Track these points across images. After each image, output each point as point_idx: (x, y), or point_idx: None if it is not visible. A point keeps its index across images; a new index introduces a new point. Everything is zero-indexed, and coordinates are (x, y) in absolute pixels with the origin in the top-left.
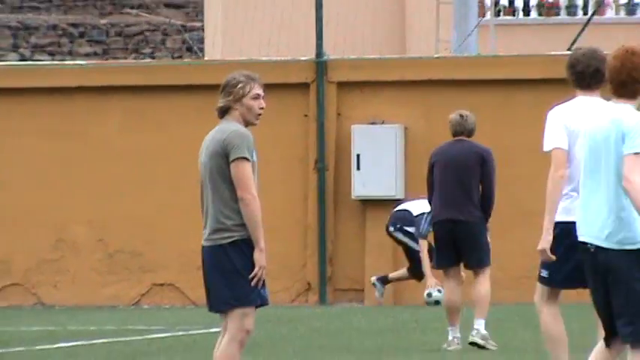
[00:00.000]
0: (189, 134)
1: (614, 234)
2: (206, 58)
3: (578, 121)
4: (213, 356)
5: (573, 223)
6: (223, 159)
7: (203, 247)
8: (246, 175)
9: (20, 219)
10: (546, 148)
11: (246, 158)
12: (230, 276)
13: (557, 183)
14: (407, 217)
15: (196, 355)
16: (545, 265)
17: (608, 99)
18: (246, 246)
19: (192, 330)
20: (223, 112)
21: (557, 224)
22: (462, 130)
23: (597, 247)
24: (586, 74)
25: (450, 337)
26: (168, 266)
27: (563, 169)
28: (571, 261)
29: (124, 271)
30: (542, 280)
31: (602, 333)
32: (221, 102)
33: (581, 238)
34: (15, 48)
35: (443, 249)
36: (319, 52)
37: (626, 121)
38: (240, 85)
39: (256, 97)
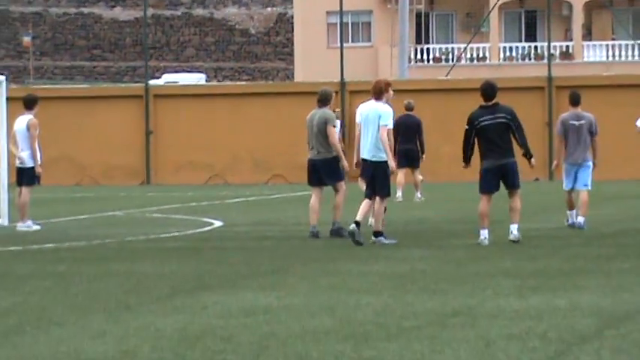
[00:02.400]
0: (289, 112)
1: (373, 154)
2: (295, 80)
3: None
4: (312, 206)
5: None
6: (324, 124)
7: (312, 159)
8: (334, 133)
9: (217, 145)
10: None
11: (334, 126)
12: (334, 169)
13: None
14: None
15: (298, 205)
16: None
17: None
18: (335, 157)
19: (291, 194)
20: (325, 104)
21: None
22: (409, 106)
23: (367, 160)
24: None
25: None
26: (280, 166)
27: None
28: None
29: (261, 169)
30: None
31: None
32: (329, 101)
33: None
34: (215, 76)
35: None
36: (342, 77)
37: (380, 109)
38: (334, 95)
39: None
